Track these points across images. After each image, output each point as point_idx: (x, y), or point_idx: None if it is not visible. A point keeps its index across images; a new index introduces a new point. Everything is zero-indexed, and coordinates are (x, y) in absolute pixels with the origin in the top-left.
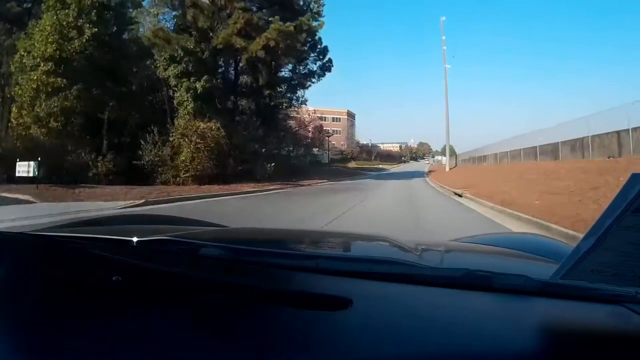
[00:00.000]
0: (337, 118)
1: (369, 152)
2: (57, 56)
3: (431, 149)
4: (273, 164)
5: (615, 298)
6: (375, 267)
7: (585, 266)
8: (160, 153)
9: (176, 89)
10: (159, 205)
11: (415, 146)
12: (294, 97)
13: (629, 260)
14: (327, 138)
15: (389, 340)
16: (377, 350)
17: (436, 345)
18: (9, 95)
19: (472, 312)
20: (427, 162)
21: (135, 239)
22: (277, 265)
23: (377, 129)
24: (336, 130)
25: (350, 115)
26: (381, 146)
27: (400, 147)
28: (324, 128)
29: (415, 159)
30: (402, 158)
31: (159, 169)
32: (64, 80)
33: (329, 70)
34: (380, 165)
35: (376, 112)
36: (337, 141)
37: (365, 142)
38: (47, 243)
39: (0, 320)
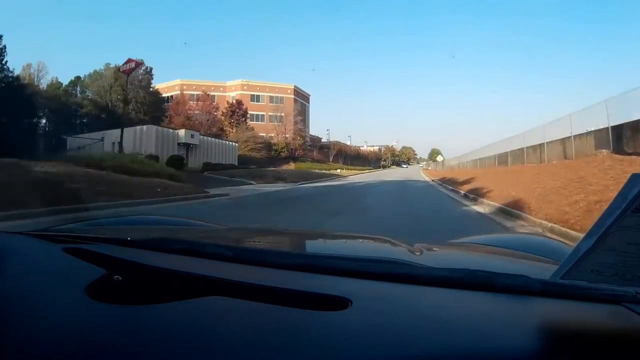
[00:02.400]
0: (277, 98)
1: (326, 150)
2: None
3: (416, 155)
4: None
5: (615, 298)
6: (375, 267)
7: (585, 266)
8: None
9: None
10: None
11: (399, 149)
12: None
13: (628, 260)
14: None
15: (389, 340)
16: (376, 350)
17: (436, 345)
18: None
19: (472, 312)
20: (421, 165)
21: (135, 239)
22: (276, 265)
23: (357, 132)
24: (276, 115)
25: (301, 96)
26: (348, 142)
27: (379, 149)
28: (241, 109)
29: (398, 163)
30: (382, 162)
31: None
32: None
33: None
34: (338, 171)
35: (356, 114)
36: (275, 131)
37: (324, 138)
38: (47, 243)
39: None
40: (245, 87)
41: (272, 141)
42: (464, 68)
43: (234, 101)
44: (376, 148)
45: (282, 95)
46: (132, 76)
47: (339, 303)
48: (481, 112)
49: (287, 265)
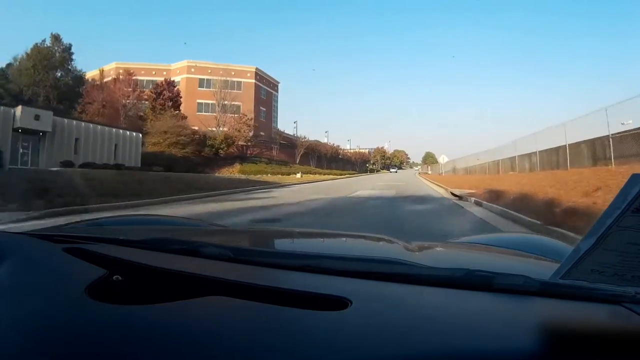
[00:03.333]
0: (234, 83)
1: (292, 148)
2: None
3: (409, 159)
4: None
5: (615, 298)
6: (375, 266)
7: (585, 266)
8: None
9: None
10: None
11: (390, 152)
12: None
13: (628, 260)
14: None
15: (389, 340)
16: (376, 350)
17: (436, 345)
18: None
19: (472, 312)
20: (416, 169)
21: (135, 239)
22: (276, 265)
23: (346, 135)
24: (229, 104)
25: (266, 82)
26: (326, 140)
27: (368, 151)
28: (171, 92)
29: (387, 167)
30: (370, 165)
31: None
32: None
33: None
34: (298, 175)
35: (345, 115)
36: (216, 121)
37: (290, 133)
38: (47, 243)
39: None
40: (192, 70)
41: (209, 135)
42: (461, 71)
43: (163, 81)
44: (365, 150)
45: (240, 80)
46: (42, 54)
47: (339, 303)
48: (477, 116)
49: (287, 265)
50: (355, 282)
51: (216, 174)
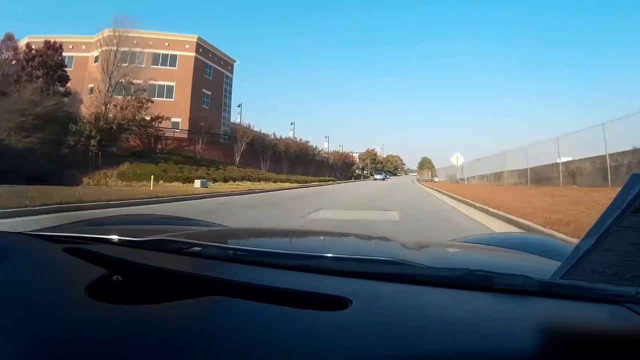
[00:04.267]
0: (167, 57)
1: (230, 143)
2: None
3: (404, 164)
4: None
5: (615, 298)
6: (375, 267)
7: (585, 266)
8: None
9: None
10: None
11: (384, 157)
12: None
13: (629, 260)
14: None
15: (389, 340)
16: (376, 350)
17: (436, 345)
18: None
19: (472, 312)
20: (414, 175)
21: (135, 239)
22: (276, 265)
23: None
24: (159, 85)
25: (214, 58)
26: (291, 134)
27: (359, 155)
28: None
29: (380, 173)
30: (357, 170)
31: None
32: None
33: None
34: (150, 184)
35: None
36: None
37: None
38: (47, 243)
39: None
40: (115, 41)
41: (81, 118)
42: (459, 79)
43: (43, 44)
44: (355, 154)
45: (175, 53)
46: None
47: (339, 303)
48: (476, 125)
49: (287, 265)
50: (356, 282)
51: (84, 180)
